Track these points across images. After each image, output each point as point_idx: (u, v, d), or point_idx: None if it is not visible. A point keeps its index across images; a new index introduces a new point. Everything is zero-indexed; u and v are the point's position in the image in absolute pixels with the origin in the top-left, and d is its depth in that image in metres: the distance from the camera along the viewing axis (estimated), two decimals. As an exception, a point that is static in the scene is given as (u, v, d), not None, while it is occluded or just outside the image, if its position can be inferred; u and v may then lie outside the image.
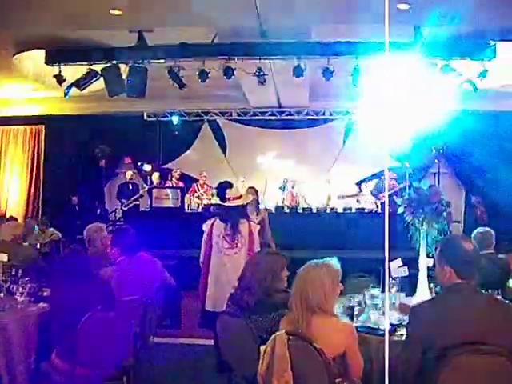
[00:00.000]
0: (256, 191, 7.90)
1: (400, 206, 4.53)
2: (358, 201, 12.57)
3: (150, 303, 4.60)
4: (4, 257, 4.80)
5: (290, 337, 3.03)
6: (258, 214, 7.63)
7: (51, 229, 10.49)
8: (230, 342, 3.72)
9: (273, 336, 3.09)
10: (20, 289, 4.50)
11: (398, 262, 4.55)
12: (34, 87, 12.84)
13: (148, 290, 4.67)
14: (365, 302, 4.17)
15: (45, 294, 4.73)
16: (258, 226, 6.07)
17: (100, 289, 4.17)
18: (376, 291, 4.26)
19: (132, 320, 4.27)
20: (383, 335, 3.56)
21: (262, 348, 3.19)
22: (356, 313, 4.01)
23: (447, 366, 2.73)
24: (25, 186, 14.80)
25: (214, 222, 5.76)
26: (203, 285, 5.82)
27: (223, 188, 5.90)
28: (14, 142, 14.96)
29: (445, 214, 4.35)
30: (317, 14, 7.95)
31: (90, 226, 5.56)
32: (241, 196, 5.88)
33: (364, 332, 3.66)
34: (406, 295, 4.58)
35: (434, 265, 4.20)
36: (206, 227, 5.82)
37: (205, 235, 5.80)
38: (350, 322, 3.54)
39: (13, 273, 4.75)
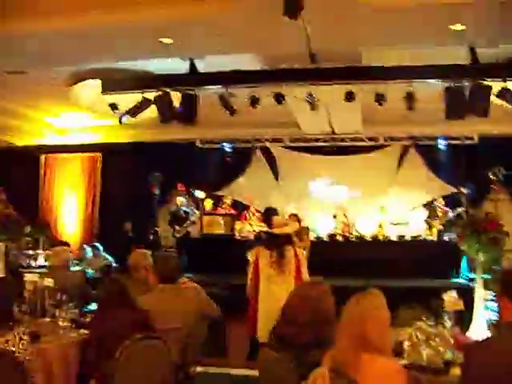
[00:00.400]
0: (298, 218, 7.79)
1: (454, 233, 4.32)
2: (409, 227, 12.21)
3: (192, 332, 4.48)
4: (50, 282, 4.80)
5: (332, 374, 2.82)
6: (301, 241, 7.52)
7: (103, 254, 10.57)
8: (270, 378, 3.55)
9: (313, 372, 2.89)
10: (63, 314, 4.49)
11: (453, 293, 4.30)
12: (90, 116, 13.14)
13: (190, 318, 4.56)
14: (416, 337, 3.89)
15: (88, 319, 4.69)
16: (305, 252, 5.94)
17: (140, 316, 4.09)
18: (428, 324, 4.00)
19: (172, 349, 4.16)
20: (437, 374, 3.33)
21: (303, 384, 3.01)
22: (406, 348, 3.73)
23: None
24: (81, 212, 15.05)
25: (259, 250, 5.65)
26: (253, 315, 5.69)
27: (269, 215, 5.80)
28: (71, 169, 15.27)
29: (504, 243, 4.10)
30: (368, 37, 7.81)
31: (134, 252, 5.52)
32: (286, 224, 5.77)
33: (415, 370, 3.39)
34: (461, 330, 4.31)
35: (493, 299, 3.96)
36: (251, 256, 5.73)
37: (251, 264, 5.70)
38: (401, 363, 3.23)
39: (57, 298, 4.73)
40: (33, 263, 9.71)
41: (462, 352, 3.62)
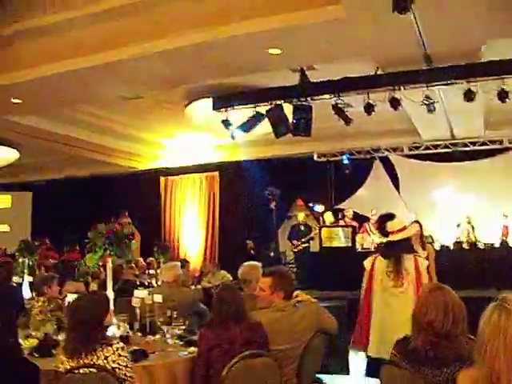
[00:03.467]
0: (420, 225, 7.32)
1: None
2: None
3: (306, 350, 4.20)
4: (159, 298, 4.73)
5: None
6: (424, 249, 7.06)
7: (222, 271, 10.58)
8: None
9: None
10: (171, 331, 4.39)
11: None
12: (205, 136, 13.35)
13: (307, 335, 4.29)
14: None
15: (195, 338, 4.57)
16: (427, 262, 5.52)
17: (254, 334, 3.88)
18: None
19: (288, 369, 3.93)
20: None
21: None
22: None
23: None
24: (202, 231, 15.30)
25: (375, 257, 5.34)
26: (365, 324, 5.38)
27: (383, 221, 5.46)
28: (191, 189, 15.60)
29: None
30: (485, 31, 7.25)
31: (245, 264, 5.33)
32: (404, 228, 5.39)
33: None
34: None
35: None
36: (367, 263, 5.41)
37: (366, 272, 5.39)
38: None
39: (168, 314, 4.65)
40: (154, 283, 9.84)
41: None
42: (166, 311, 4.70)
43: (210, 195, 15.35)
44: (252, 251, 13.52)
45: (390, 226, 5.47)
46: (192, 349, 4.22)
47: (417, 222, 7.57)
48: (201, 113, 11.09)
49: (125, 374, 3.22)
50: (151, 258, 11.99)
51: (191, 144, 14.36)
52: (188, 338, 4.47)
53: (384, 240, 5.66)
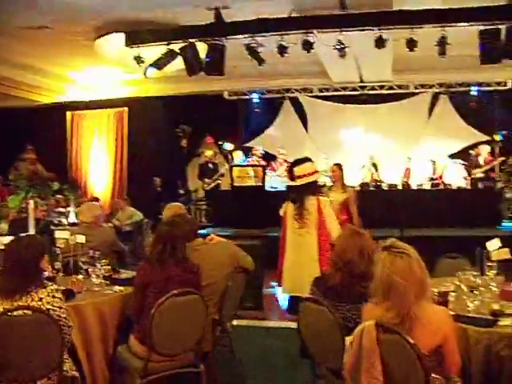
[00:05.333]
0: (341, 168, 7.64)
1: (499, 181, 4.13)
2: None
3: (228, 287, 4.40)
4: (82, 238, 4.74)
5: (380, 328, 2.73)
6: (344, 192, 7.40)
7: (131, 208, 10.54)
8: (314, 332, 3.46)
9: (360, 327, 2.80)
10: (96, 271, 4.45)
11: (497, 242, 4.14)
12: (115, 71, 12.99)
13: (225, 273, 4.47)
14: (461, 287, 3.74)
15: (123, 276, 4.65)
16: (329, 201, 5.84)
17: (187, 272, 3.99)
18: (473, 275, 3.85)
19: (210, 304, 4.10)
20: (484, 326, 3.20)
21: (348, 339, 2.92)
22: (451, 299, 3.59)
23: None
24: (110, 168, 15.04)
25: (288, 203, 5.63)
26: (279, 267, 5.70)
27: (292, 167, 5.71)
28: (98, 125, 15.21)
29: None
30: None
31: (169, 205, 5.39)
32: (313, 172, 5.64)
33: (461, 322, 3.24)
34: (506, 279, 4.14)
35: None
36: (281, 211, 5.71)
37: (282, 218, 5.68)
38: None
39: (90, 254, 4.68)
40: (64, 221, 9.70)
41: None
42: (88, 251, 4.73)
43: (118, 131, 15.00)
44: (159, 188, 13.53)
45: (298, 170, 5.70)
46: (118, 287, 4.31)
47: (337, 164, 7.86)
48: (112, 47, 10.75)
49: (59, 316, 3.26)
50: (59, 196, 11.72)
51: (100, 79, 13.92)
52: (113, 277, 4.55)
53: (291, 184, 5.91)
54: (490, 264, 4.03)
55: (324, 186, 8.84)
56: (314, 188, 5.81)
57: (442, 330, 2.79)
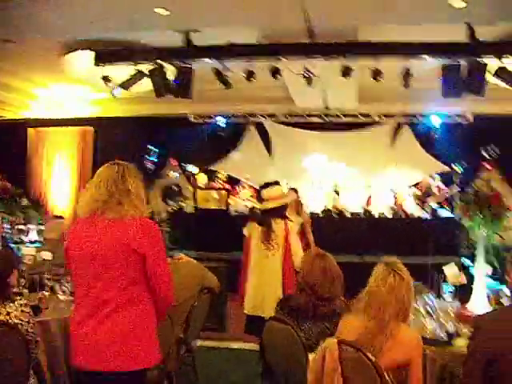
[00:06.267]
0: (297, 192, 7.77)
1: (456, 209, 4.32)
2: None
3: (194, 307, 4.46)
4: (48, 255, 4.76)
5: (343, 346, 2.85)
6: (299, 216, 7.52)
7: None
8: (278, 350, 3.55)
9: (323, 345, 2.91)
10: (62, 288, 4.46)
11: (453, 267, 4.32)
12: (82, 89, 12.97)
13: (192, 292, 4.54)
14: (419, 310, 3.92)
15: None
16: (297, 227, 5.95)
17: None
18: (430, 298, 4.02)
19: (175, 324, 4.15)
20: (440, 346, 3.35)
21: (311, 356, 3.02)
22: (410, 321, 3.75)
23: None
24: (73, 187, 14.88)
25: (252, 225, 5.70)
26: (243, 288, 5.75)
27: (261, 188, 5.81)
28: (62, 143, 15.04)
29: (504, 218, 4.12)
30: (366, 13, 7.75)
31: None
32: (281, 196, 5.76)
33: None
34: (461, 303, 4.34)
35: (493, 273, 4.01)
36: (246, 231, 5.76)
37: (245, 238, 5.75)
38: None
39: (56, 272, 4.70)
40: (24, 238, 9.57)
41: (466, 324, 3.68)
42: (53, 268, 4.74)
43: (83, 150, 14.87)
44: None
45: (266, 193, 5.82)
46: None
47: (293, 189, 8.00)
48: (80, 65, 10.75)
49: (27, 330, 3.29)
50: (19, 213, 11.54)
51: (65, 96, 13.83)
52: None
53: (259, 206, 6.01)
54: (446, 288, 4.20)
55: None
56: (283, 211, 5.91)
57: (411, 354, 2.94)
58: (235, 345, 6.48)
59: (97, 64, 9.83)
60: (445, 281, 4.21)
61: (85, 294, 2.98)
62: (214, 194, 11.62)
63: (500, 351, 2.60)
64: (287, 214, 7.63)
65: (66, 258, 3.11)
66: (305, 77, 9.25)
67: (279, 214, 5.77)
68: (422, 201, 12.16)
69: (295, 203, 7.88)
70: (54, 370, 3.92)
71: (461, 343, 3.44)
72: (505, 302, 4.15)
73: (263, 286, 5.56)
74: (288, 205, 7.58)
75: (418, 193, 12.49)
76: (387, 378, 2.78)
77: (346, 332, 3.04)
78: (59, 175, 14.89)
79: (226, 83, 9.85)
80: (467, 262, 6.29)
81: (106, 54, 9.77)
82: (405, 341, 2.95)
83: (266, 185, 5.96)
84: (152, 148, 13.39)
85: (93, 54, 9.79)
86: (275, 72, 9.23)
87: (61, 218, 10.01)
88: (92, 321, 2.90)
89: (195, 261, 5.00)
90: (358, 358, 2.79)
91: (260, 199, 5.92)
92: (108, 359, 2.86)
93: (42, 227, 7.56)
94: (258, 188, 12.00)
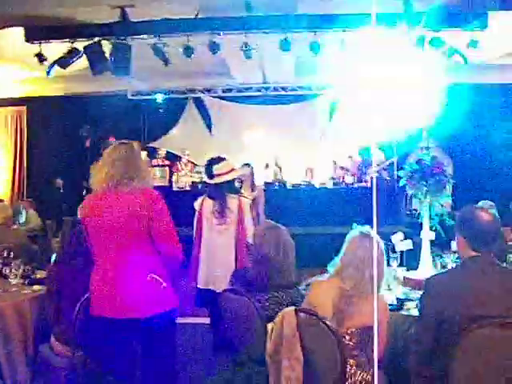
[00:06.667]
0: (251, 168, 7.82)
1: (402, 178, 4.45)
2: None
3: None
4: (-5, 240, 4.67)
5: (300, 313, 2.93)
6: (253, 191, 7.56)
7: (30, 211, 10.26)
8: (234, 321, 3.62)
9: (281, 313, 2.99)
10: (13, 271, 4.39)
11: (400, 235, 4.48)
12: (14, 67, 12.56)
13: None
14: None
15: (38, 276, 4.61)
16: (250, 201, 6.00)
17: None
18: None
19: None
20: (392, 310, 3.50)
21: (270, 326, 3.10)
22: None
23: (467, 340, 2.64)
24: (9, 169, 14.51)
25: (203, 199, 5.70)
26: (195, 263, 5.77)
27: (210, 165, 5.81)
28: (-4, 124, 14.63)
29: (448, 186, 4.28)
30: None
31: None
32: (231, 170, 5.78)
33: None
34: (408, 269, 4.52)
35: (436, 238, 4.17)
36: (197, 205, 5.76)
37: (196, 213, 5.74)
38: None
39: (4, 255, 4.61)
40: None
41: (415, 287, 3.86)
42: (3, 252, 4.65)
43: (16, 131, 14.51)
44: (61, 189, 13.25)
45: (217, 168, 5.82)
46: (36, 287, 4.29)
47: (247, 164, 8.03)
48: (9, 43, 10.39)
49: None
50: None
51: (-3, 75, 13.42)
52: (31, 277, 4.51)
53: (211, 181, 6.01)
54: (393, 255, 4.36)
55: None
56: (235, 186, 5.93)
57: (379, 317, 3.03)
58: (187, 319, 6.51)
59: (27, 41, 9.51)
60: (393, 250, 4.34)
61: (103, 255, 3.47)
62: (157, 170, 11.53)
63: (449, 311, 2.75)
64: (242, 189, 7.72)
65: (84, 226, 3.59)
66: (243, 51, 9.23)
67: (232, 189, 5.81)
68: (361, 171, 12.40)
69: (249, 178, 7.94)
70: (9, 354, 3.87)
71: (409, 306, 3.60)
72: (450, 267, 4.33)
73: (215, 261, 5.60)
74: (242, 180, 7.67)
75: (358, 163, 12.72)
76: (346, 342, 2.90)
77: (319, 296, 3.15)
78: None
79: (164, 59, 9.72)
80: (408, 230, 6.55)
81: (37, 30, 9.45)
82: (373, 303, 3.05)
83: (214, 160, 5.96)
84: (89, 127, 13.12)
85: (22, 30, 9.45)
86: (215, 47, 9.15)
87: (1, 201, 9.79)
88: (111, 275, 3.40)
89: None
90: (315, 324, 2.88)
91: (210, 175, 5.90)
92: (136, 307, 3.38)
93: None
94: (198, 164, 12.06)
